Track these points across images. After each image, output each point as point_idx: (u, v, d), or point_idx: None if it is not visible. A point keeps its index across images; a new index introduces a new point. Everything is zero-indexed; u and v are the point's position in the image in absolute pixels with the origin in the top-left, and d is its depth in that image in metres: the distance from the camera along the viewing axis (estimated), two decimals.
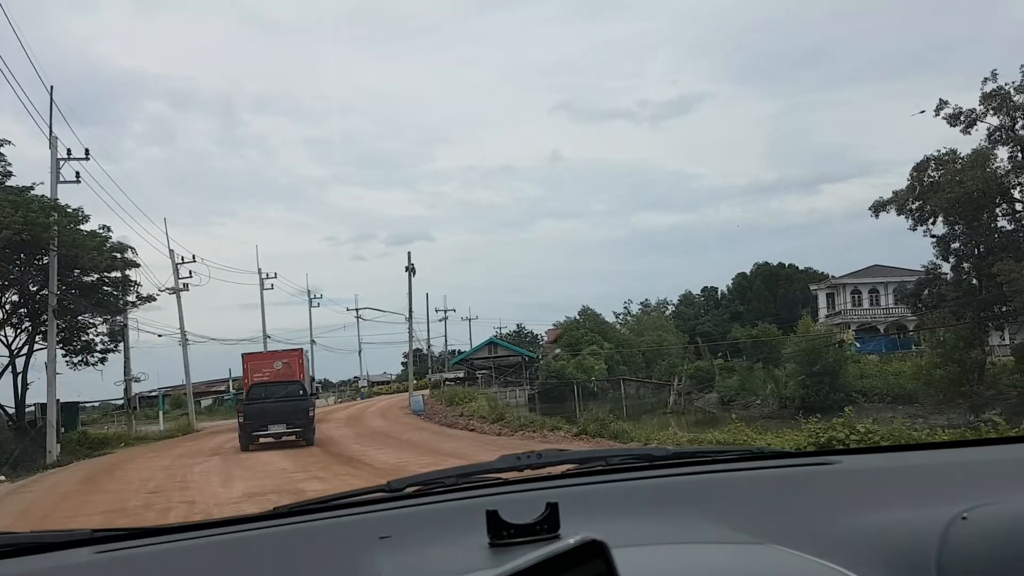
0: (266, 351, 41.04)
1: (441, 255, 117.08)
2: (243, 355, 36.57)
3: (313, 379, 50.52)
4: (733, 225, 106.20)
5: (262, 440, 21.65)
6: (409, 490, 1.74)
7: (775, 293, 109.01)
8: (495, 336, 74.76)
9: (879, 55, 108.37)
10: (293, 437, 21.91)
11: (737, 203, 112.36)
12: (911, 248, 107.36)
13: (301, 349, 38.96)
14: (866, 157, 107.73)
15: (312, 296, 69.35)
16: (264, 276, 54.69)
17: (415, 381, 64.95)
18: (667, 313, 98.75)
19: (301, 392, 23.51)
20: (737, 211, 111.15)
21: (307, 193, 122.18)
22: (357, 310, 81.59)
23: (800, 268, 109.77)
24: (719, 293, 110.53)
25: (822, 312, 64.09)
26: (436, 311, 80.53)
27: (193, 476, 16.66)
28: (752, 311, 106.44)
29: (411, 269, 46.26)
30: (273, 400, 22.19)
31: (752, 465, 1.85)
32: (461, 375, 73.20)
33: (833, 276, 60.65)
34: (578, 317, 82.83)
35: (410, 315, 47.37)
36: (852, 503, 1.56)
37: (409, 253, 46.39)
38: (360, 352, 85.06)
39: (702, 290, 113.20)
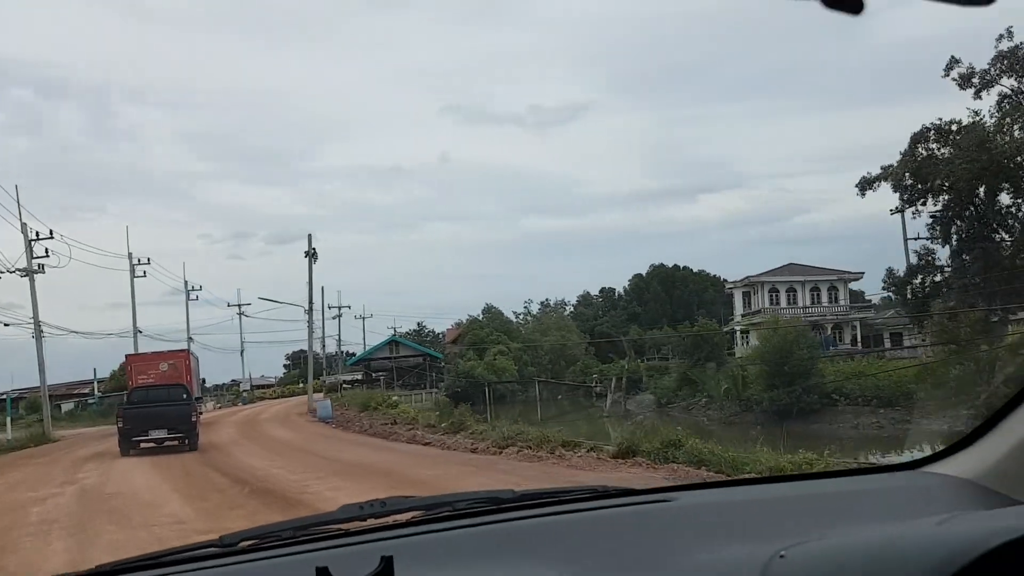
0: (151, 352, 38.01)
1: (326, 256, 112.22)
2: (127, 356, 35.46)
3: (204, 382, 47.17)
4: (618, 231, 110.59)
5: (143, 446, 20.92)
6: (243, 545, 1.66)
7: (671, 294, 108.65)
8: (397, 334, 68.74)
9: (746, 75, 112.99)
10: (176, 443, 21.31)
11: (622, 210, 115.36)
12: (776, 257, 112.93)
13: (188, 350, 37.28)
14: (737, 170, 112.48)
15: (191, 288, 61.59)
16: (136, 262, 47.87)
17: (302, 385, 59.22)
18: (566, 313, 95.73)
19: (184, 396, 22.58)
20: (622, 218, 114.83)
21: (182, 189, 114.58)
22: (239, 306, 73.58)
23: (694, 271, 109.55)
24: (615, 294, 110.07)
25: (738, 311, 61.53)
26: (329, 307, 73.82)
27: (22, 537, 9.90)
28: (649, 312, 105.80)
29: (312, 254, 40.28)
30: (155, 404, 21.33)
31: (596, 505, 1.84)
32: (359, 377, 67.19)
33: (750, 276, 58.10)
34: (481, 316, 78.76)
35: (310, 305, 41.22)
36: (684, 542, 1.60)
37: (310, 236, 40.15)
38: (243, 352, 76.93)
39: (600, 291, 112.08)
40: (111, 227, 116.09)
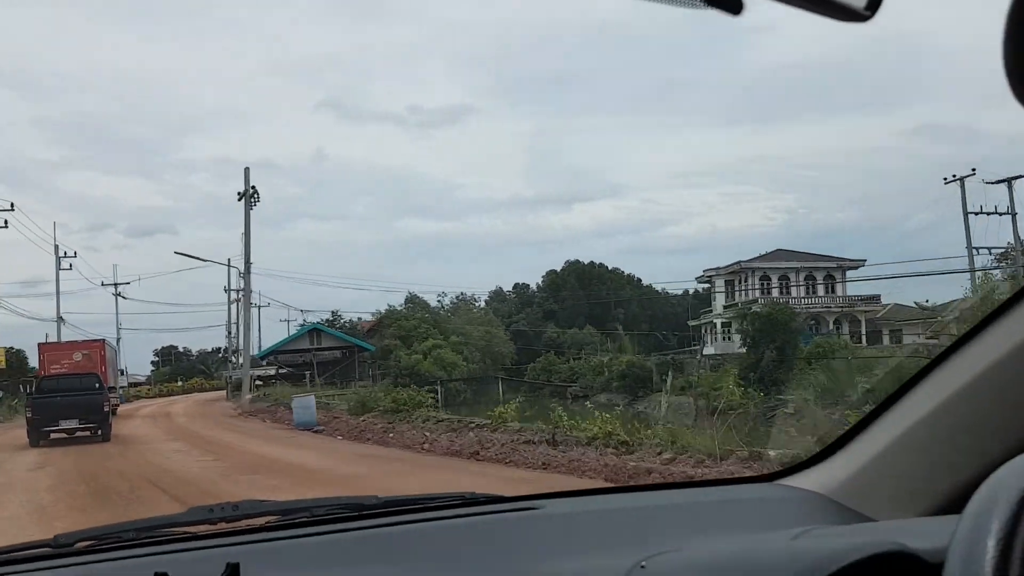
0: (65, 341, 37.96)
1: (186, 250, 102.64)
2: (39, 345, 34.12)
3: (124, 371, 45.61)
4: (496, 236, 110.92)
5: (53, 436, 20.30)
6: (80, 545, 1.55)
7: (588, 292, 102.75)
8: (318, 322, 56.88)
9: (619, 87, 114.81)
10: (88, 433, 20.59)
11: (498, 215, 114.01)
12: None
13: (104, 340, 35.54)
14: (610, 180, 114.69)
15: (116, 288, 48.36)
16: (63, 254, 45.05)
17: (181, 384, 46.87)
18: (475, 309, 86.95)
19: (97, 385, 21.68)
20: (498, 223, 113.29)
21: (33, 176, 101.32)
22: (116, 285, 60.09)
23: (609, 268, 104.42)
24: (529, 291, 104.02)
25: (719, 301, 53.56)
26: (226, 290, 61.04)
27: None
28: (567, 310, 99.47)
29: (252, 195, 28.99)
30: (65, 393, 20.51)
31: (463, 512, 1.80)
32: (271, 372, 55.25)
33: (741, 261, 50.26)
34: (402, 307, 68.56)
35: (247, 264, 29.80)
36: (549, 550, 1.59)
37: (247, 170, 28.66)
38: (119, 340, 62.95)
39: (514, 287, 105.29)
40: None
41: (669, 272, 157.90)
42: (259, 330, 60.36)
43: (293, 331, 62.22)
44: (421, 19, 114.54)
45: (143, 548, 1.54)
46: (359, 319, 71.62)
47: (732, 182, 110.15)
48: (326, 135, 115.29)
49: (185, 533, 1.61)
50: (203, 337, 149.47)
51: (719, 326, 52.01)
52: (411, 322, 64.88)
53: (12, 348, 55.75)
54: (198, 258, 30.91)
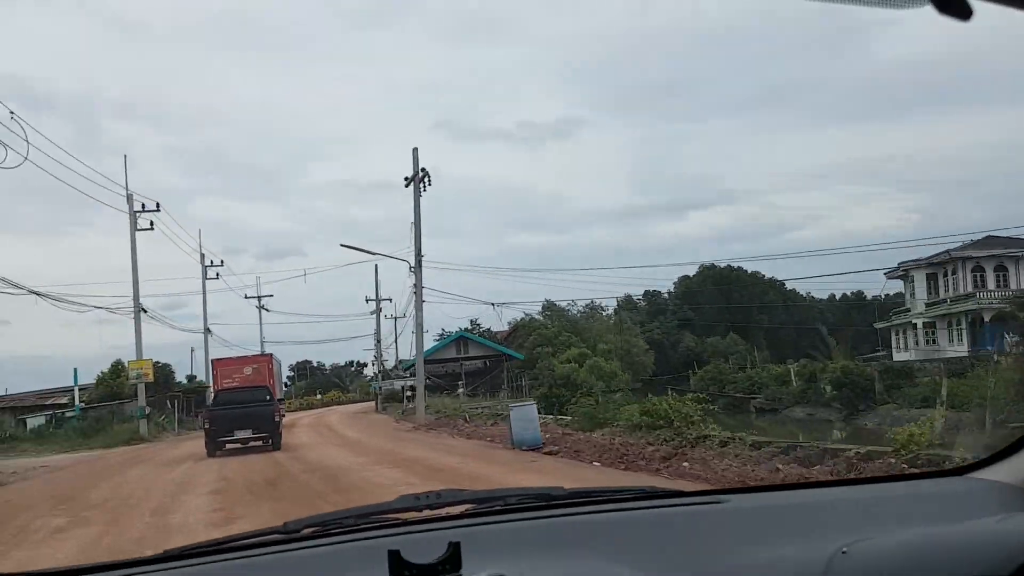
0: (235, 356, 39.36)
1: (315, 269, 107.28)
2: (213, 360, 36.40)
3: (287, 384, 48.64)
4: (606, 247, 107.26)
5: (229, 446, 20.75)
6: (306, 531, 1.67)
7: (729, 297, 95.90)
8: (465, 330, 52.82)
9: (732, 91, 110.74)
10: (260, 442, 20.99)
11: (608, 226, 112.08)
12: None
13: (271, 354, 37.73)
14: (725, 186, 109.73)
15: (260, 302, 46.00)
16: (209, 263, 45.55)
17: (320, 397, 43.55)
18: (605, 318, 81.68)
19: (267, 397, 22.29)
20: (608, 234, 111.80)
21: (169, 204, 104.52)
22: (259, 298, 57.94)
23: (748, 271, 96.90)
24: (661, 298, 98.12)
25: (920, 297, 46.14)
26: (367, 300, 57.99)
27: None
28: (705, 317, 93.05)
29: (422, 177, 24.76)
30: (239, 405, 21.06)
31: (646, 505, 1.83)
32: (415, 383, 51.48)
33: (950, 251, 42.76)
34: (539, 316, 64.24)
35: (418, 255, 25.49)
36: (739, 541, 1.60)
37: (415, 150, 24.07)
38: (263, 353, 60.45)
39: (644, 294, 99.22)
40: (102, 242, 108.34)
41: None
42: (396, 341, 56.83)
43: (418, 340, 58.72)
44: (527, 37, 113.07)
45: (363, 532, 1.64)
46: (484, 330, 67.96)
47: (858, 183, 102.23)
48: (439, 154, 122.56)
49: (396, 519, 1.70)
50: (335, 351, 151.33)
51: (920, 327, 44.77)
52: (551, 330, 60.69)
53: (158, 362, 54.36)
54: (366, 251, 27.25)
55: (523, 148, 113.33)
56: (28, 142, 21.55)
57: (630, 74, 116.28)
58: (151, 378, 33.99)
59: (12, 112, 20.28)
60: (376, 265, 49.31)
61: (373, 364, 68.68)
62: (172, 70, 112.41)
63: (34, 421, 40.04)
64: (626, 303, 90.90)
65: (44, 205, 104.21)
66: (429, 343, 60.97)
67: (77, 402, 40.75)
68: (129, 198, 32.51)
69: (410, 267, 26.23)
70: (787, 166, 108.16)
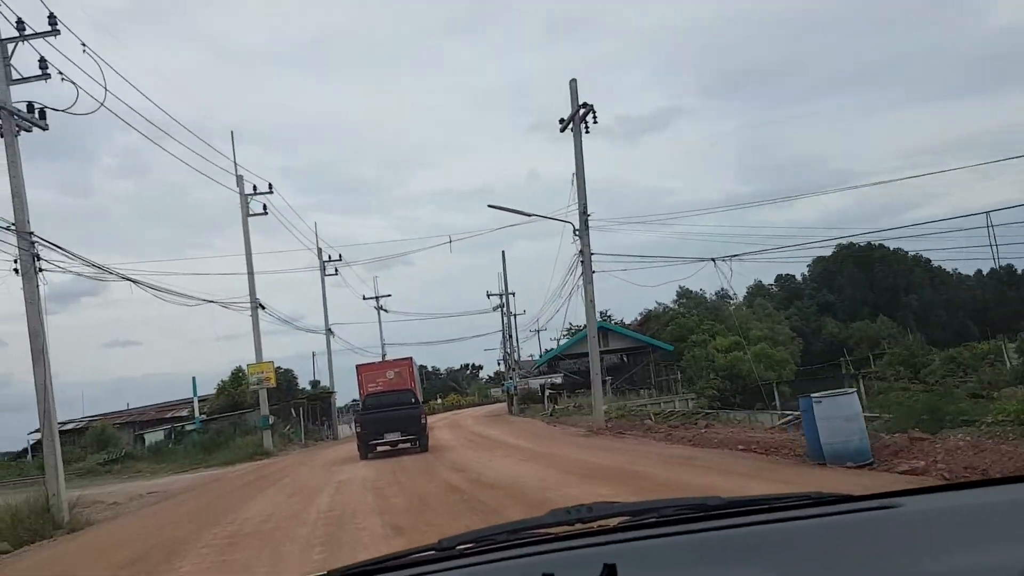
0: (377, 361, 38.17)
1: (420, 278, 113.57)
2: (357, 366, 36.04)
3: (422, 387, 45.63)
4: (709, 239, 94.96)
5: (379, 448, 21.17)
6: (460, 548, 1.64)
7: (871, 278, 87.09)
8: (608, 321, 47.05)
9: (838, 70, 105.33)
10: (408, 444, 21.27)
11: (712, 216, 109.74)
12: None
13: (411, 358, 37.34)
14: (835, 168, 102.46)
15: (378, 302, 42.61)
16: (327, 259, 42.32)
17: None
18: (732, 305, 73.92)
19: (413, 400, 22.69)
20: (713, 224, 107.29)
21: (284, 221, 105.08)
22: (377, 298, 54.22)
23: (890, 249, 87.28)
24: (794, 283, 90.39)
25: None
26: (488, 295, 53.11)
27: None
28: (847, 300, 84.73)
29: (584, 114, 19.30)
30: (387, 409, 21.42)
31: (812, 512, 1.69)
32: (558, 380, 46.08)
33: None
34: (674, 305, 58.19)
35: (584, 216, 19.95)
36: (917, 550, 1.48)
37: (573, 81, 18.39)
38: (383, 358, 56.55)
39: (776, 279, 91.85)
40: (221, 262, 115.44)
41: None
42: (515, 339, 51.66)
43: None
44: (621, 30, 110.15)
45: (516, 549, 1.60)
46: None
47: (980, 157, 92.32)
48: (537, 156, 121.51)
49: (548, 534, 1.65)
50: (447, 355, 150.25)
51: None
52: (691, 319, 54.64)
53: (280, 368, 51.03)
54: (520, 212, 21.87)
55: (622, 143, 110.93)
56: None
57: (729, 60, 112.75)
58: (273, 382, 29.97)
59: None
60: (503, 252, 44.40)
61: (499, 363, 64.07)
62: (276, 93, 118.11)
63: (153, 437, 36.93)
64: (757, 290, 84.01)
65: (167, 228, 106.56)
66: (549, 340, 55.88)
67: (197, 414, 37.40)
68: (239, 179, 28.64)
69: (574, 230, 20.76)
70: (900, 143, 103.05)
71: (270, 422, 30.21)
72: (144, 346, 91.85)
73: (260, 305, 29.01)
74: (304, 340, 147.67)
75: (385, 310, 53.99)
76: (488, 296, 52.32)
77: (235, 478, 20.46)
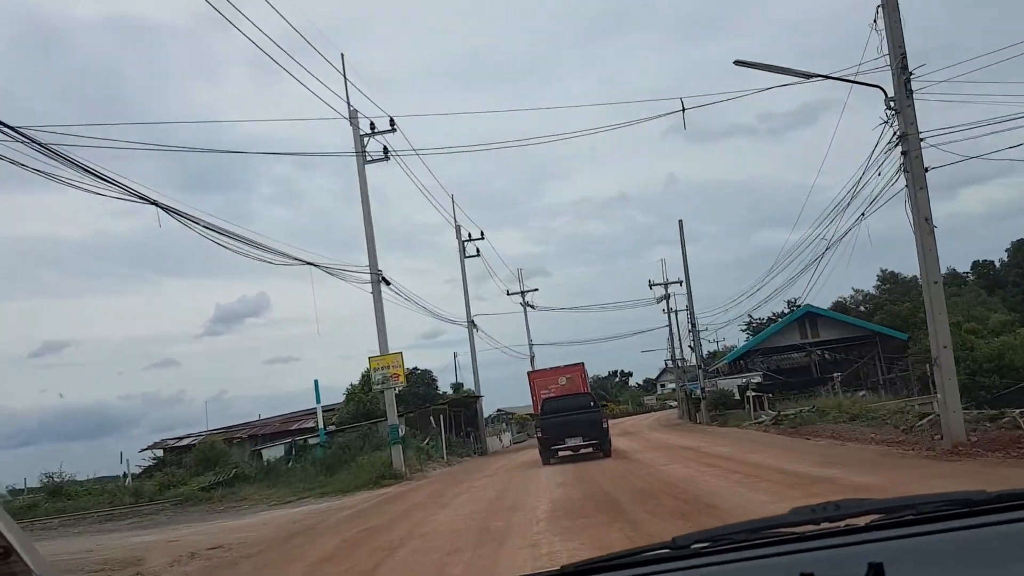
0: (549, 368, 37.13)
1: (558, 289, 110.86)
2: (528, 373, 36.78)
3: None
4: (864, 233, 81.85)
5: (561, 454, 20.43)
6: (696, 547, 1.55)
7: None
8: (810, 305, 37.14)
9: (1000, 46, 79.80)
10: (590, 449, 20.49)
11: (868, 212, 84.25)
12: None
13: (582, 364, 36.32)
14: (1004, 154, 79.23)
15: (523, 297, 35.75)
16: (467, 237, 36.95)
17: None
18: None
19: (592, 404, 21.50)
20: (868, 220, 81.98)
21: (422, 238, 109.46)
22: (522, 294, 46.97)
23: None
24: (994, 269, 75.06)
25: None
26: (651, 286, 44.58)
27: None
28: None
29: None
30: (568, 413, 20.62)
31: None
32: (756, 379, 36.58)
33: None
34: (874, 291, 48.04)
35: (903, 69, 10.89)
36: None
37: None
38: (532, 359, 49.45)
39: (972, 266, 79.42)
40: (365, 279, 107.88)
41: None
42: (695, 331, 42.63)
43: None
44: (760, 25, 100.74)
45: (759, 549, 1.51)
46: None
47: None
48: (675, 159, 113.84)
49: (791, 534, 1.54)
50: (598, 362, 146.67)
51: None
52: (903, 306, 44.60)
53: (417, 369, 44.27)
54: (780, 69, 13.04)
55: (766, 141, 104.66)
56: None
57: (881, 46, 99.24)
58: (403, 379, 22.62)
59: None
60: (680, 222, 35.82)
61: (666, 363, 55.27)
62: (413, 113, 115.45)
63: (273, 452, 30.55)
64: (952, 277, 71.68)
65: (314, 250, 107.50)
66: (708, 342, 47.17)
67: (321, 425, 30.72)
68: (353, 116, 21.57)
69: (886, 97, 11.80)
70: None
71: (400, 434, 22.79)
72: (303, 361, 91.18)
73: (383, 278, 21.71)
74: (445, 353, 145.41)
75: (532, 306, 46.42)
76: (651, 286, 43.65)
77: (341, 523, 12.94)
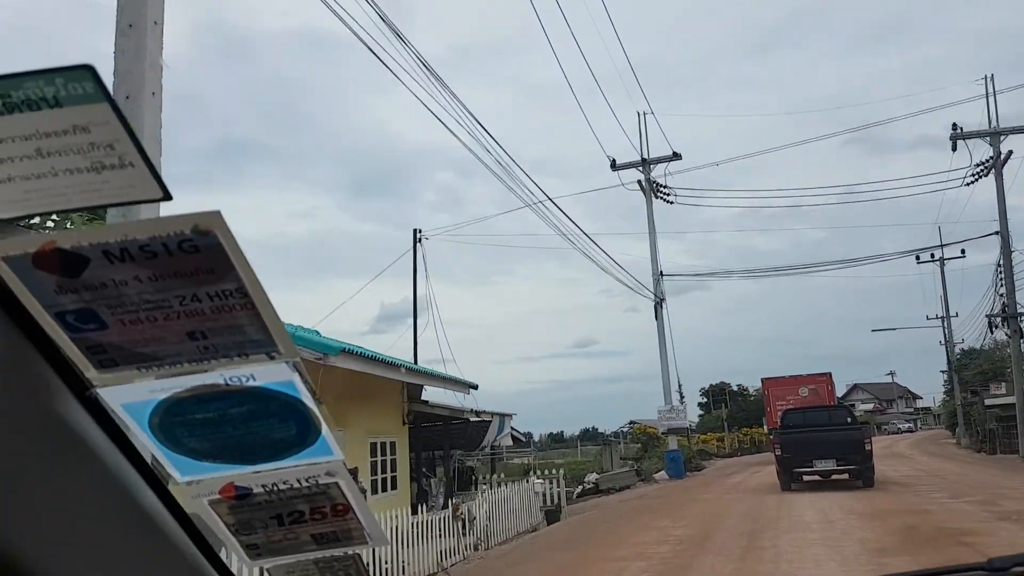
0: (788, 376, 32.11)
1: (717, 304, 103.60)
2: (763, 380, 33.37)
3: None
4: None
5: (806, 478, 17.53)
6: (1016, 570, 1.44)
7: None
8: None
9: None
10: (846, 476, 17.32)
11: None
12: None
13: (829, 374, 31.59)
14: None
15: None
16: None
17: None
18: None
19: (849, 419, 17.92)
20: None
21: (578, 249, 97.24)
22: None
23: None
24: None
25: None
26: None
27: None
28: None
29: None
30: (816, 428, 17.12)
31: None
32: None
33: None
34: None
35: None
36: None
37: None
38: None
39: None
40: (521, 288, 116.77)
41: None
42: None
43: None
44: (940, 34, 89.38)
45: None
46: None
47: None
48: (854, 172, 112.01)
49: None
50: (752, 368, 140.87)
51: None
52: None
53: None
54: None
55: (956, 153, 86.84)
56: None
57: None
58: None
59: None
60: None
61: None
62: (571, 125, 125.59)
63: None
64: None
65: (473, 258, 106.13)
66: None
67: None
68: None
69: None
70: None
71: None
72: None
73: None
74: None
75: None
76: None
77: None
